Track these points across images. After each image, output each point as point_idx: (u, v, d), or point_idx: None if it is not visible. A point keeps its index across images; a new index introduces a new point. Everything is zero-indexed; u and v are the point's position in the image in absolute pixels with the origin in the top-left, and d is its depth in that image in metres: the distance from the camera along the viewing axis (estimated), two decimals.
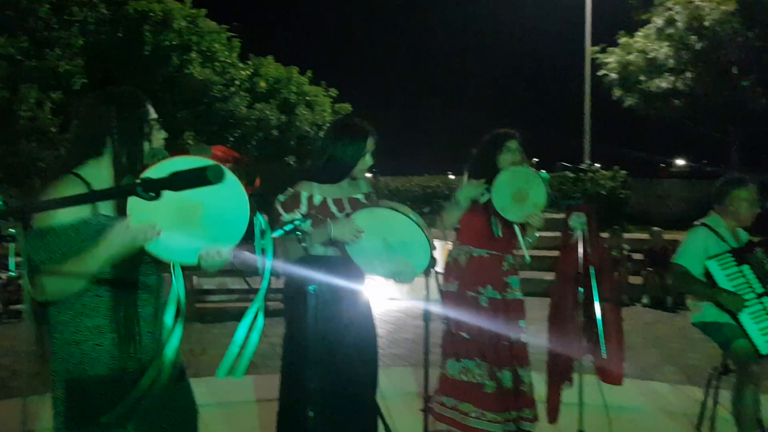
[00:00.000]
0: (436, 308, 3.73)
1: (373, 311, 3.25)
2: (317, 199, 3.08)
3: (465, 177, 3.90)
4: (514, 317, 3.78)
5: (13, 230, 1.46)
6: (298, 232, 2.28)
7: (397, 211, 2.81)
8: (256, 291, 2.13)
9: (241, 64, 17.72)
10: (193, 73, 16.28)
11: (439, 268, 3.21)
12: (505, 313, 3.75)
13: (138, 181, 1.39)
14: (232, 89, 16.84)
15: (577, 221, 3.64)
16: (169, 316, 2.07)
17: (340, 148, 3.08)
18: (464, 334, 3.77)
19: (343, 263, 2.95)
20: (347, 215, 3.00)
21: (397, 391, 4.71)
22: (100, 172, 2.08)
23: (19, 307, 8.87)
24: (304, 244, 2.32)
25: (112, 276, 2.00)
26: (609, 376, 3.66)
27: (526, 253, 3.75)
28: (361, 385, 2.99)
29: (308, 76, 18.54)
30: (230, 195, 1.94)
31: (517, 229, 3.76)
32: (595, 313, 3.52)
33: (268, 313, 7.25)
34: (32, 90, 14.00)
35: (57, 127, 14.32)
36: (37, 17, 15.63)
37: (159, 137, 2.19)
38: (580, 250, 3.61)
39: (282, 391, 3.08)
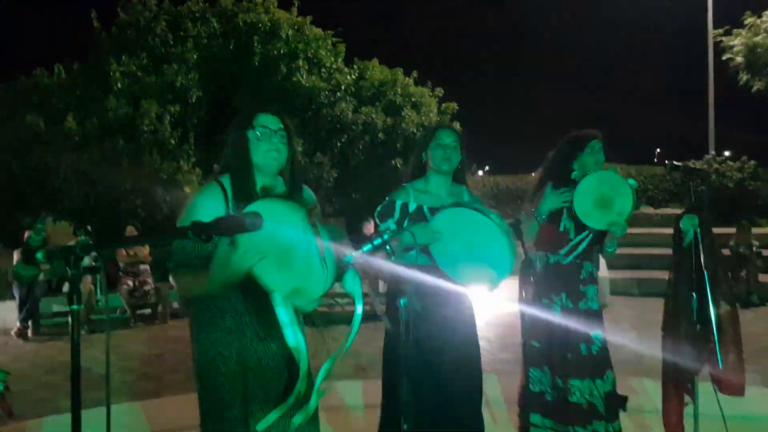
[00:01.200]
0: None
1: (475, 319, 3.28)
2: (412, 207, 3.15)
3: (539, 181, 3.85)
4: (587, 328, 3.68)
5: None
6: (387, 247, 2.37)
7: (478, 212, 2.81)
8: (365, 295, 2.25)
9: (346, 69, 18.07)
10: (301, 81, 16.75)
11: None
12: (577, 324, 3.67)
13: (190, 226, 1.61)
14: (339, 94, 17.19)
15: (689, 223, 3.52)
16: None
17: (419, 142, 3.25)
18: (534, 342, 3.75)
19: (435, 271, 2.98)
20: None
21: (504, 399, 4.69)
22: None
23: (146, 311, 9.48)
24: (393, 258, 2.41)
25: (240, 282, 2.18)
26: (728, 386, 3.51)
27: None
28: (460, 398, 3.02)
29: (413, 77, 18.63)
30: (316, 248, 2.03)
31: (592, 235, 3.65)
32: (710, 321, 3.40)
33: (375, 317, 7.38)
34: (152, 104, 14.90)
35: (176, 140, 15.15)
36: (154, 35, 16.63)
37: (262, 149, 2.33)
38: (693, 253, 3.48)
39: (383, 401, 3.17)
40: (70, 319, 1.63)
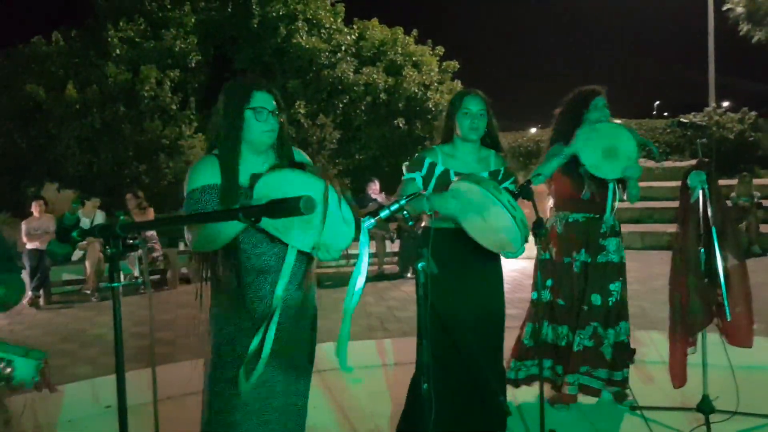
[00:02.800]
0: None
1: (503, 282, 3.29)
2: (439, 169, 3.16)
3: (549, 141, 3.87)
4: (606, 280, 3.78)
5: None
6: (404, 212, 2.37)
7: (482, 188, 2.79)
8: (374, 255, 2.29)
9: (346, 29, 17.86)
10: (301, 42, 16.57)
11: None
12: (594, 276, 3.77)
13: (238, 207, 1.63)
14: (339, 55, 17.03)
15: (697, 179, 3.51)
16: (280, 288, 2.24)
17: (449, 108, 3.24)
18: (560, 302, 3.81)
19: (461, 236, 2.98)
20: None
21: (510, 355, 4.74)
22: None
23: (156, 277, 9.53)
24: (410, 222, 2.41)
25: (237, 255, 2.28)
26: (736, 338, 3.54)
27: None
28: (480, 360, 3.04)
29: (414, 36, 18.43)
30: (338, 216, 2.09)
31: (612, 187, 3.71)
32: (718, 276, 3.41)
33: (384, 276, 7.46)
34: (152, 70, 14.79)
35: (177, 105, 15.07)
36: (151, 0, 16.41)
37: (259, 129, 2.33)
38: (701, 209, 3.48)
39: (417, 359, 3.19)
40: (112, 295, 1.62)
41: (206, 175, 2.31)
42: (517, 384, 3.95)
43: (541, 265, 3.87)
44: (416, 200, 2.85)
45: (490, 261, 3.19)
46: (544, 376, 3.82)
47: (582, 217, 3.80)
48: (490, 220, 2.79)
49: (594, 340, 3.77)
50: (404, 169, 3.27)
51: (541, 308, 3.85)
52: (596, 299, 3.77)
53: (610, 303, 3.78)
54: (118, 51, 15.14)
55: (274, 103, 2.36)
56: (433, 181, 3.15)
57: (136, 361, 5.01)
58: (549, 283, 3.85)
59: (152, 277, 9.54)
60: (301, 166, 2.25)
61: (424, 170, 3.16)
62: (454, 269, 2.99)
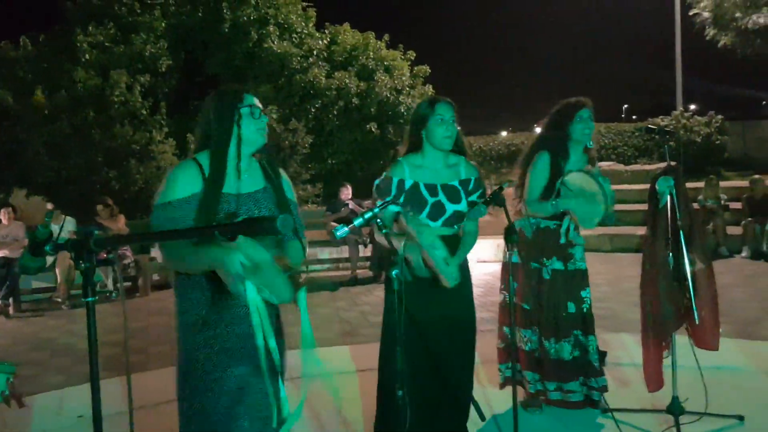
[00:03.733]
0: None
1: (471, 289, 3.29)
2: (408, 183, 3.09)
3: (531, 147, 3.94)
4: (576, 287, 3.84)
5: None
6: (377, 220, 2.37)
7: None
8: (347, 260, 2.28)
9: (317, 34, 17.86)
10: (272, 47, 16.53)
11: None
12: (566, 284, 3.82)
13: (216, 226, 1.60)
14: (311, 60, 17.01)
15: (665, 185, 3.56)
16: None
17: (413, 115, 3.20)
18: (525, 305, 3.86)
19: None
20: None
21: (483, 358, 4.76)
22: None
23: (127, 284, 9.41)
24: (384, 231, 2.41)
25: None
26: (703, 342, 3.60)
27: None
28: (453, 366, 3.06)
29: (385, 40, 18.48)
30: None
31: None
32: (686, 279, 3.47)
33: (358, 281, 7.48)
34: (122, 75, 14.62)
35: (147, 110, 14.93)
36: (122, 3, 16.24)
37: (254, 126, 2.35)
38: (669, 214, 3.54)
39: (380, 364, 3.19)
40: (86, 310, 1.59)
41: (185, 184, 2.26)
42: (502, 387, 4.04)
43: (511, 267, 3.90)
44: (392, 210, 2.85)
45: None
46: (518, 379, 3.86)
47: (554, 224, 3.85)
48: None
49: (580, 348, 3.82)
50: (375, 193, 3.14)
51: (508, 311, 3.89)
52: (571, 307, 3.82)
53: (584, 309, 3.84)
54: (87, 56, 14.96)
55: (260, 105, 2.41)
56: (403, 197, 3.08)
57: (107, 369, 4.94)
58: (514, 286, 3.87)
59: (124, 284, 9.43)
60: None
61: (393, 192, 3.09)
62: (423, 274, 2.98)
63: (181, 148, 14.56)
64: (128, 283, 9.40)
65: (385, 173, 3.17)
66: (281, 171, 2.51)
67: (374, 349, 5.04)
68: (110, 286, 9.05)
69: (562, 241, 3.83)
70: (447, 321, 3.06)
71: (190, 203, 2.24)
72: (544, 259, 3.84)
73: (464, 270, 3.19)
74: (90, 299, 1.59)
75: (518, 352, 3.91)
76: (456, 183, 3.15)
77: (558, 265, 3.84)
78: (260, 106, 2.40)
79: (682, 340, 3.68)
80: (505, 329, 4.00)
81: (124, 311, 2.64)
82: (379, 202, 2.47)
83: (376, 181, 3.16)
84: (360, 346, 5.62)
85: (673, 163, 3.63)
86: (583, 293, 3.86)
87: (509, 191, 3.70)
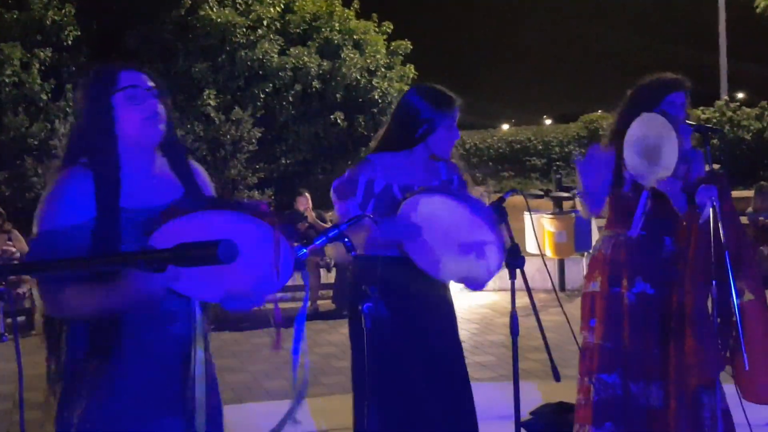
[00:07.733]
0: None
1: (456, 322, 3.31)
2: (379, 186, 3.10)
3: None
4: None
5: None
6: (345, 239, 2.37)
7: (454, 199, 2.83)
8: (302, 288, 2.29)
9: (268, 0, 17.86)
10: (210, 15, 16.49)
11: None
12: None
13: (140, 253, 1.59)
14: (260, 32, 16.97)
15: (706, 195, 3.60)
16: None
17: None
18: (606, 344, 3.77)
19: (410, 266, 3.00)
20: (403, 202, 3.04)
21: (485, 415, 4.76)
22: None
23: (21, 319, 9.29)
24: (353, 253, 2.42)
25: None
26: (752, 392, 3.65)
27: None
28: (441, 422, 3.07)
29: (354, 8, 18.54)
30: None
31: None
32: (733, 314, 3.51)
33: (318, 315, 7.49)
34: (15, 49, 14.49)
35: (48, 94, 14.80)
36: None
37: (136, 117, 2.22)
38: (712, 232, 3.57)
39: (354, 424, 3.17)
40: None
41: (76, 205, 2.15)
42: None
43: (584, 301, 3.87)
44: (360, 225, 2.86)
45: (441, 292, 3.23)
46: None
47: (636, 234, 3.70)
48: (454, 231, 2.83)
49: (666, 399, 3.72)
50: (333, 197, 3.16)
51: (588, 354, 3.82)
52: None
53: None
54: None
55: (150, 83, 2.27)
56: (372, 202, 3.10)
57: None
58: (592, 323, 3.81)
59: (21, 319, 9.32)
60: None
61: (360, 195, 3.10)
62: (401, 307, 2.97)
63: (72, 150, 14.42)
64: (22, 318, 9.27)
65: (349, 171, 3.16)
66: (194, 164, 2.44)
67: (340, 403, 5.06)
68: None
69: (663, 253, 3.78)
70: (430, 362, 3.08)
71: (84, 230, 2.14)
72: (625, 280, 3.76)
73: (445, 295, 3.21)
74: None
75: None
76: (437, 185, 3.19)
77: (646, 287, 3.74)
78: (149, 83, 2.26)
79: (728, 389, 3.72)
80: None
81: (18, 355, 2.61)
82: (347, 219, 2.47)
83: (335, 183, 3.16)
84: (324, 398, 5.60)
85: (716, 167, 3.67)
86: None
87: (515, 200, 3.70)
